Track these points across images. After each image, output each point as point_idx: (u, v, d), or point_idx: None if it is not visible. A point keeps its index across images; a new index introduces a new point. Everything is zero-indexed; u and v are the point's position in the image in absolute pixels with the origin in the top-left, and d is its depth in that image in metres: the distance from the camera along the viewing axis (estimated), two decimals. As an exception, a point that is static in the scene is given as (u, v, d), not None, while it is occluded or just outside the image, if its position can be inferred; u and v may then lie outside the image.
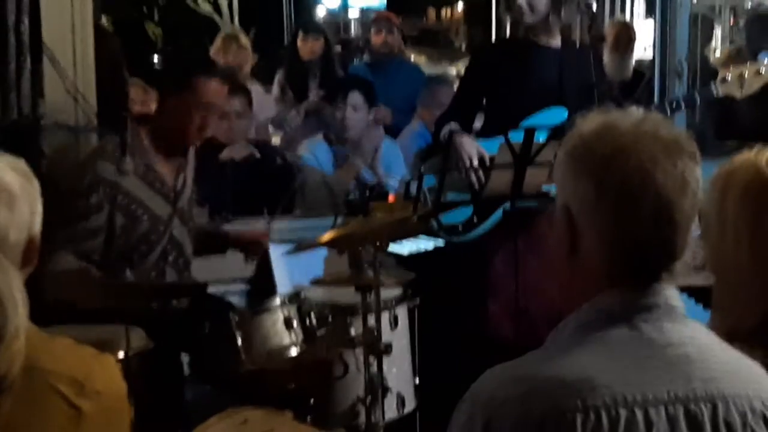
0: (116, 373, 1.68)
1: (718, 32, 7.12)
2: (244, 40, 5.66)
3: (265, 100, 5.49)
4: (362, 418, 3.09)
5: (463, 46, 14.91)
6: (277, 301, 3.08)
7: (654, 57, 5.15)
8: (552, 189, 3.36)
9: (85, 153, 3.49)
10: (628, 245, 1.39)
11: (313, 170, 4.63)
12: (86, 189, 3.21)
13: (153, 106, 5.74)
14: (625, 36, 4.40)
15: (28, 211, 1.68)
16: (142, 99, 5.42)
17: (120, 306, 2.82)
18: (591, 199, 1.40)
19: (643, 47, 6.04)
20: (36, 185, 1.72)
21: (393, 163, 4.78)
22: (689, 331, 1.42)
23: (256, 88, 5.39)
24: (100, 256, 3.21)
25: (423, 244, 3.92)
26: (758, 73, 3.70)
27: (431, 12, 16.15)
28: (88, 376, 1.60)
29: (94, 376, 1.61)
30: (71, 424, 1.57)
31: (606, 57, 4.38)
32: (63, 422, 1.57)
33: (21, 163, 1.72)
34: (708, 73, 5.20)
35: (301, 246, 3.28)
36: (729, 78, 3.72)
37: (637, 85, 5.14)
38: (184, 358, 3.18)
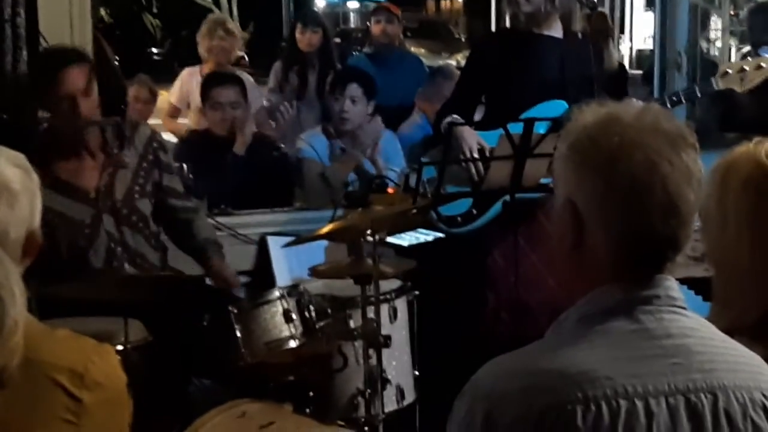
0: (116, 364, 1.68)
1: (718, 23, 7.12)
2: (232, 26, 5.63)
3: (255, 91, 5.48)
4: (362, 410, 3.09)
5: (463, 38, 14.92)
6: (277, 293, 3.08)
7: (654, 49, 5.14)
8: (551, 181, 3.36)
9: None
10: (636, 238, 1.39)
11: (312, 162, 4.63)
12: None
13: (155, 103, 5.73)
14: (602, 27, 4.38)
15: (29, 206, 1.68)
16: (146, 98, 5.42)
17: (119, 298, 2.82)
18: (598, 194, 1.39)
19: (643, 38, 6.05)
20: (35, 179, 1.71)
21: (392, 156, 4.77)
22: (689, 323, 1.42)
23: (247, 79, 5.37)
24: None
25: (423, 236, 3.92)
26: (759, 67, 3.69)
27: (431, 3, 16.16)
28: (88, 367, 1.60)
29: (94, 368, 1.60)
30: (71, 415, 1.57)
31: None
32: (63, 414, 1.57)
33: (21, 158, 1.71)
34: (707, 64, 5.20)
35: (300, 238, 3.27)
36: (730, 72, 3.71)
37: (623, 79, 5.15)
38: (184, 350, 3.17)
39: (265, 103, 5.44)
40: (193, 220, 3.58)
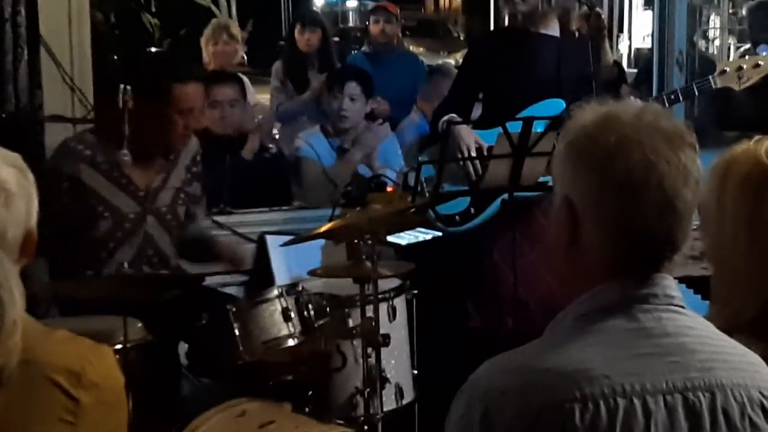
0: (113, 364, 1.67)
1: (716, 22, 7.12)
2: (235, 30, 5.65)
3: (252, 92, 5.48)
4: (361, 409, 3.09)
5: (462, 36, 14.91)
6: (275, 292, 3.08)
7: (652, 47, 5.15)
8: (551, 180, 3.36)
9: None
10: (631, 236, 1.39)
11: (311, 161, 4.63)
12: (51, 171, 3.23)
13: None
14: (599, 25, 4.39)
15: (25, 206, 1.68)
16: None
17: (117, 298, 2.82)
18: (594, 191, 1.40)
19: (642, 37, 6.06)
20: (31, 179, 1.71)
21: (391, 155, 4.77)
22: (687, 322, 1.42)
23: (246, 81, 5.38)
24: (54, 247, 3.16)
25: (421, 235, 3.92)
26: (757, 65, 3.70)
27: (430, 2, 16.15)
28: (85, 367, 1.60)
29: (91, 368, 1.60)
30: (69, 415, 1.57)
31: None
32: (61, 414, 1.57)
33: (17, 158, 1.71)
34: (705, 62, 5.20)
35: (299, 237, 3.27)
36: (728, 70, 3.71)
37: (620, 78, 5.15)
38: (182, 349, 3.17)
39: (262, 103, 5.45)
40: (197, 214, 3.65)
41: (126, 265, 3.21)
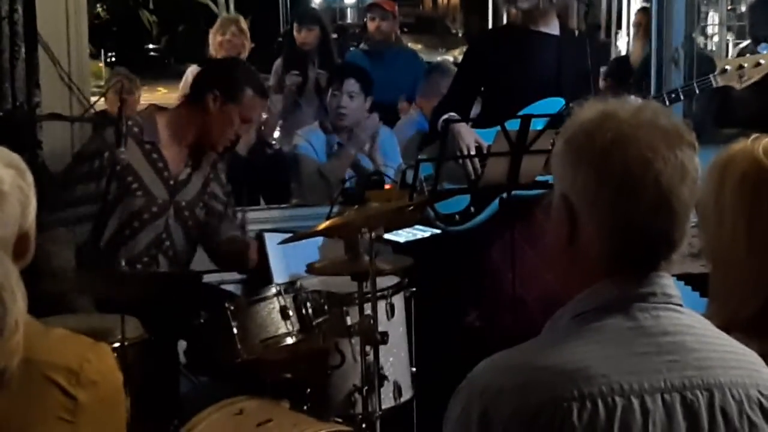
0: (112, 362, 1.67)
1: (715, 18, 7.12)
2: (244, 25, 5.64)
3: None
4: (359, 407, 3.09)
5: (460, 34, 14.90)
6: (273, 290, 3.08)
7: (651, 45, 5.14)
8: (548, 178, 3.36)
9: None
10: (628, 234, 1.39)
11: (309, 159, 4.63)
12: (92, 153, 3.33)
13: (138, 95, 5.78)
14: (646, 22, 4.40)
15: (19, 207, 1.67)
16: (128, 88, 5.40)
17: (115, 295, 2.82)
18: (591, 188, 1.39)
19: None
20: (29, 179, 1.70)
21: (389, 152, 4.77)
22: (686, 320, 1.42)
23: None
24: (92, 225, 3.29)
25: (420, 232, 3.92)
26: (758, 64, 3.69)
27: (428, -1, 16.13)
28: (83, 366, 1.59)
29: (90, 366, 1.60)
30: (68, 414, 1.57)
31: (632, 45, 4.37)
32: (59, 413, 1.56)
33: (14, 157, 1.70)
34: (703, 59, 5.19)
35: (297, 235, 3.27)
36: (729, 69, 3.71)
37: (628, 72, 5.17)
38: (181, 347, 3.17)
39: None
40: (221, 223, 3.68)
41: (123, 264, 3.21)
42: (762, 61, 3.70)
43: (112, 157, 3.23)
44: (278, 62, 5.66)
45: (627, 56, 6.40)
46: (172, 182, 3.44)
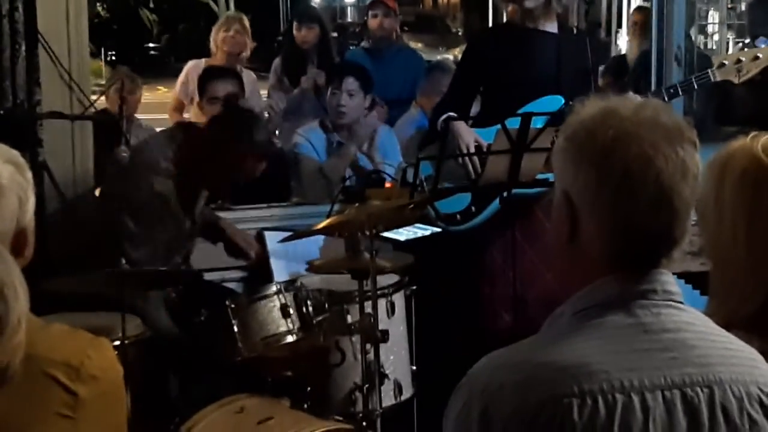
0: (112, 357, 1.67)
1: (715, 16, 7.12)
2: (247, 24, 5.63)
3: (258, 88, 5.47)
4: (359, 405, 3.09)
5: (460, 32, 14.89)
6: (274, 288, 3.08)
7: (651, 42, 5.14)
8: (549, 176, 3.36)
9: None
10: (629, 231, 1.39)
11: (309, 158, 4.62)
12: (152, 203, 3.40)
13: (139, 94, 5.80)
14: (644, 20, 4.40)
15: (17, 202, 1.67)
16: (129, 88, 5.40)
17: (117, 294, 2.82)
18: (592, 186, 1.39)
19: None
20: (28, 176, 1.70)
21: (389, 150, 4.76)
22: (686, 317, 1.42)
23: (249, 75, 5.36)
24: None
25: (420, 231, 3.91)
26: (756, 58, 3.69)
27: (428, -3, 16.12)
28: (84, 361, 1.59)
29: (90, 362, 1.60)
30: (68, 410, 1.57)
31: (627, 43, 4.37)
32: (60, 408, 1.56)
33: (13, 153, 1.70)
34: (704, 57, 5.19)
35: (297, 233, 3.27)
36: (727, 64, 3.70)
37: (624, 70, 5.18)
38: (182, 345, 3.17)
39: (264, 99, 5.44)
40: None
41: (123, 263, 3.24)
42: (760, 55, 3.69)
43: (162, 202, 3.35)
44: (277, 61, 5.65)
45: (625, 55, 6.40)
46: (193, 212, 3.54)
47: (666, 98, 3.66)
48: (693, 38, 5.66)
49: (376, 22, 5.75)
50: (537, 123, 3.47)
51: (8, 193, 1.65)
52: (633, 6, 8.36)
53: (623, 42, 8.82)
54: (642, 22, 5.77)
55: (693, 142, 1.41)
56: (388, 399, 3.17)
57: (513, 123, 3.47)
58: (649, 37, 5.40)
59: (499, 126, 3.52)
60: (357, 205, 3.15)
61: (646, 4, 5.98)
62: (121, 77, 5.29)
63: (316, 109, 5.24)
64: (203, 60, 5.51)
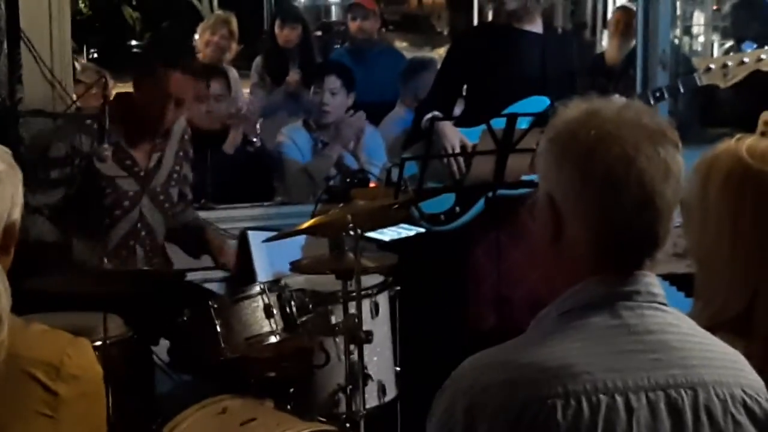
0: (92, 356, 1.67)
1: (700, 18, 7.13)
2: (234, 27, 5.63)
3: (240, 87, 5.46)
4: (343, 406, 3.09)
5: (445, 32, 14.89)
6: (257, 288, 3.06)
7: (637, 45, 5.15)
8: (534, 177, 3.35)
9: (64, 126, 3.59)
10: (612, 233, 1.40)
11: (293, 157, 4.61)
12: (63, 159, 3.33)
13: (113, 91, 5.78)
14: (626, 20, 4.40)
15: (9, 198, 1.66)
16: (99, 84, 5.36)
17: (97, 293, 2.80)
18: (575, 187, 1.40)
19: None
20: (18, 174, 1.70)
21: (374, 150, 4.76)
22: (670, 319, 1.43)
23: (232, 74, 5.35)
24: (61, 217, 3.31)
25: (404, 231, 3.91)
26: (742, 62, 3.69)
27: (413, -3, 16.12)
28: (63, 360, 1.59)
29: (70, 361, 1.60)
30: (48, 409, 1.56)
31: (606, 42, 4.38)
32: (40, 408, 1.56)
33: (5, 152, 1.69)
34: (689, 59, 5.21)
35: (281, 233, 3.26)
36: (713, 68, 3.71)
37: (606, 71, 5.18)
38: (163, 345, 3.16)
39: (246, 97, 5.42)
40: (188, 194, 3.74)
41: (105, 261, 3.21)
42: (746, 60, 3.70)
43: (83, 161, 3.27)
44: (258, 60, 5.64)
45: (603, 53, 6.32)
46: (142, 173, 3.45)
47: (652, 101, 3.67)
48: (678, 40, 5.66)
49: (356, 25, 5.76)
50: (522, 124, 3.47)
51: (3, 187, 1.64)
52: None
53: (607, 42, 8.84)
54: (624, 21, 5.72)
55: (675, 144, 1.42)
56: (371, 400, 3.16)
57: (498, 123, 3.47)
58: (630, 37, 5.41)
59: (484, 126, 3.52)
60: (341, 205, 3.15)
61: (630, 5, 5.96)
62: (104, 74, 5.27)
63: (297, 108, 5.24)
64: None
